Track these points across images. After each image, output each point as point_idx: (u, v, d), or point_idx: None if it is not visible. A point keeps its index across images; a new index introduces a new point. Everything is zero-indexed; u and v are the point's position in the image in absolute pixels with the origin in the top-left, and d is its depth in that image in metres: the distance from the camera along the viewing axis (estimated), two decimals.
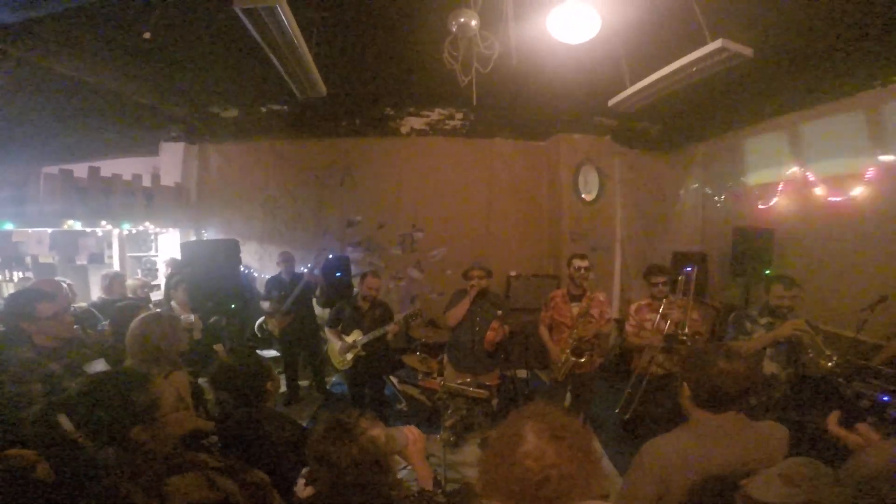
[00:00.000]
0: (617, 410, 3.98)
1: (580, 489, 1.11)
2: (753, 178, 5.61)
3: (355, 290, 4.59)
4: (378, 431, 1.59)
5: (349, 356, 4.14)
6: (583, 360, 3.74)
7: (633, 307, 3.88)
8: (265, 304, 5.25)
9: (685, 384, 1.69)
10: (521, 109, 5.87)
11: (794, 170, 4.93)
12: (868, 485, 1.19)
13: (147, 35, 3.03)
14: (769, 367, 3.15)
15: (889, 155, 3.97)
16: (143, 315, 2.54)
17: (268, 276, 5.88)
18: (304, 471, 1.69)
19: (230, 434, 2.14)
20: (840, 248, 4.41)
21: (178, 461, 1.41)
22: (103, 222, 4.75)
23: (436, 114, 6.19)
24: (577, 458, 1.11)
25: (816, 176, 4.68)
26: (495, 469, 1.15)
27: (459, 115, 6.23)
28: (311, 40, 3.32)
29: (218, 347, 3.31)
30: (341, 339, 4.20)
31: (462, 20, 2.88)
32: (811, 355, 2.91)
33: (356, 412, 1.64)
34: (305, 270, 6.07)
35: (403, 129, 6.46)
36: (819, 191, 4.62)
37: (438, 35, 3.08)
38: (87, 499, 1.30)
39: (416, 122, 6.37)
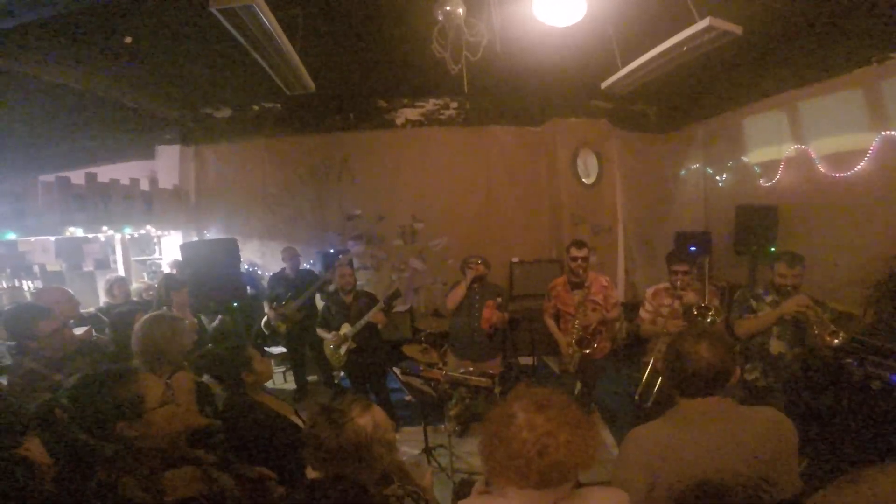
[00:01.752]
0: (636, 397, 3.66)
1: (581, 455, 1.14)
2: (755, 157, 5.52)
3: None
4: (365, 420, 1.55)
5: (342, 350, 4.18)
6: (588, 351, 3.69)
7: (649, 292, 3.66)
8: (269, 311, 5.22)
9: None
10: (515, 95, 5.82)
11: (796, 147, 4.85)
12: None
13: (128, 40, 3.02)
14: (776, 347, 3.09)
15: (889, 130, 3.89)
16: (146, 316, 2.55)
17: (270, 274, 5.93)
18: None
19: (227, 425, 2.18)
20: (844, 224, 4.34)
21: (174, 455, 1.43)
22: (104, 227, 4.78)
23: (430, 104, 6.15)
24: (569, 424, 1.15)
25: (818, 153, 4.59)
26: (495, 452, 1.18)
27: (454, 105, 6.18)
28: (296, 36, 3.30)
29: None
30: (333, 335, 4.25)
31: (448, 8, 2.84)
32: (816, 332, 2.83)
33: (350, 398, 1.61)
34: (309, 266, 6.11)
35: (398, 121, 6.42)
36: (821, 167, 4.54)
37: (426, 24, 3.05)
38: (86, 492, 1.32)
39: (411, 113, 6.33)
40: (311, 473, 1.63)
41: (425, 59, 3.60)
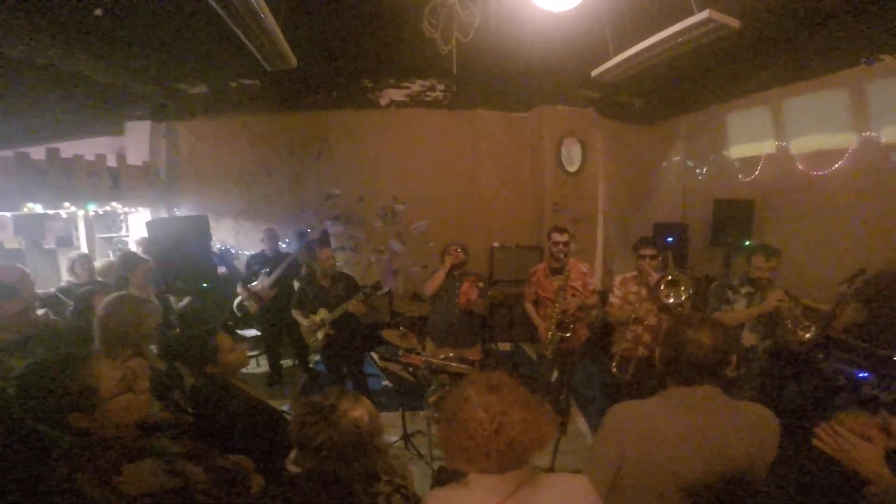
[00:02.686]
0: (614, 368, 3.64)
1: (535, 432, 1.18)
2: (736, 152, 5.60)
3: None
4: (360, 412, 1.52)
5: (319, 335, 4.10)
6: (568, 334, 3.68)
7: (617, 279, 3.72)
8: (241, 290, 5.08)
9: (658, 352, 1.64)
10: (503, 80, 5.71)
11: (777, 143, 4.92)
12: None
13: (98, 11, 2.78)
14: (748, 339, 3.16)
15: (871, 132, 3.97)
16: (110, 296, 2.40)
17: (247, 253, 5.75)
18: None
19: (196, 411, 2.10)
20: (820, 221, 4.45)
21: (136, 447, 1.33)
22: (66, 204, 4.52)
23: (417, 85, 5.99)
24: (520, 403, 1.20)
25: (798, 150, 4.68)
26: (454, 436, 1.20)
27: (441, 87, 6.05)
28: (279, 8, 3.11)
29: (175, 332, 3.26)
30: (309, 318, 4.16)
31: None
32: (789, 326, 2.90)
33: (337, 392, 1.56)
34: (284, 246, 5.96)
35: (383, 101, 6.26)
36: (800, 165, 4.63)
37: (418, 3, 2.93)
38: (43, 489, 1.23)
39: (396, 94, 6.16)
40: (293, 466, 1.57)
41: (414, 38, 3.47)
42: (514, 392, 1.22)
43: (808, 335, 2.86)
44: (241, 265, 5.77)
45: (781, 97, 4.82)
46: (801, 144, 4.66)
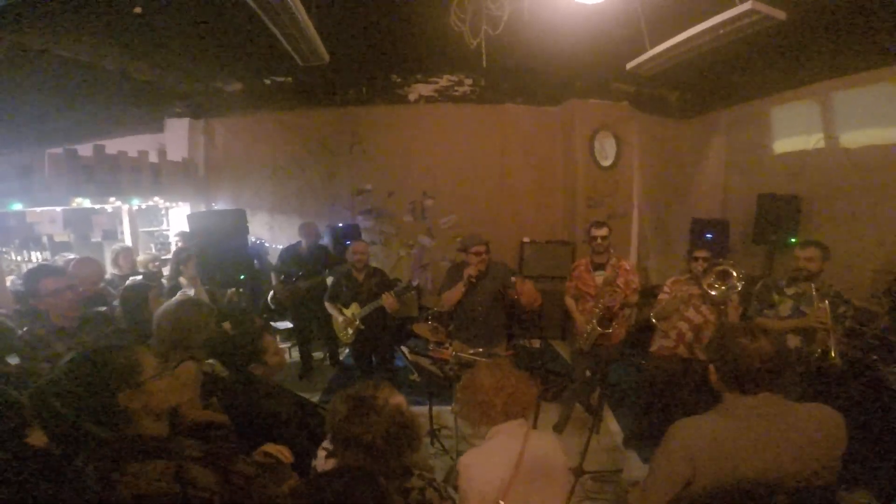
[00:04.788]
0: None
1: (528, 392, 1.78)
2: (781, 146, 5.36)
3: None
4: (400, 398, 1.56)
5: (350, 330, 4.13)
6: (609, 330, 3.63)
7: (669, 280, 3.68)
8: (278, 285, 5.19)
9: (711, 365, 1.59)
10: (533, 74, 5.63)
11: (825, 138, 4.70)
12: None
13: (137, 10, 2.88)
14: (792, 342, 3.09)
15: None
16: (182, 300, 2.50)
17: (279, 247, 5.87)
18: (325, 443, 1.65)
19: (231, 406, 2.14)
20: (870, 219, 4.23)
21: (152, 446, 1.32)
22: (112, 199, 4.73)
23: (444, 80, 5.99)
24: (514, 375, 1.79)
25: (850, 145, 4.45)
26: (469, 399, 1.77)
27: (469, 81, 6.03)
28: (310, 4, 3.15)
29: (226, 325, 3.29)
30: (341, 312, 4.19)
31: None
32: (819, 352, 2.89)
33: (371, 383, 1.59)
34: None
35: (411, 96, 6.27)
36: (850, 160, 4.40)
37: None
38: (83, 479, 1.25)
39: (425, 89, 6.17)
40: (327, 463, 1.59)
41: (441, 32, 3.45)
42: (511, 369, 1.81)
43: (838, 361, 2.82)
44: (273, 259, 5.89)
45: (830, 90, 4.59)
46: (853, 139, 4.43)
